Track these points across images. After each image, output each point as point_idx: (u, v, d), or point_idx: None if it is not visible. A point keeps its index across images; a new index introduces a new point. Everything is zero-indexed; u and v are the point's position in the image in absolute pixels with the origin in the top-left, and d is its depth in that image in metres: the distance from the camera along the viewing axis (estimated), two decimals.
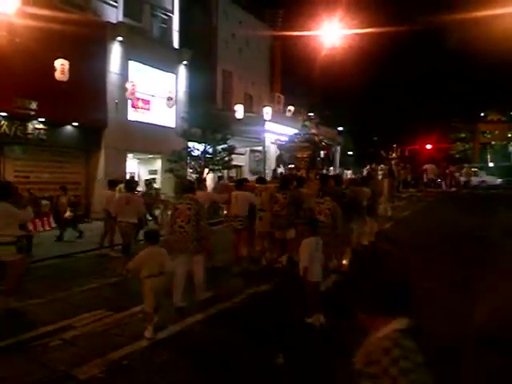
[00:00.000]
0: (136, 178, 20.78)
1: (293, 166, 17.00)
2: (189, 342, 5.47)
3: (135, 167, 21.65)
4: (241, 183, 9.76)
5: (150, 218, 13.93)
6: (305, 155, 19.69)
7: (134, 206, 9.28)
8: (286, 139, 28.60)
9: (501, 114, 47.86)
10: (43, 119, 15.29)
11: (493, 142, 52.98)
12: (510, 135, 49.56)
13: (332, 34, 21.68)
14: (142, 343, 5.32)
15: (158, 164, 21.22)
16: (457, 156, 52.97)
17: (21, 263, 6.86)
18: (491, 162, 52.74)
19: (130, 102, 18.59)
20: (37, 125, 15.32)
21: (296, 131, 28.68)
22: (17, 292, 6.85)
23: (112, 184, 11.90)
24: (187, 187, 7.59)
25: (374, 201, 11.97)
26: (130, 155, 19.77)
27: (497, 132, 50.03)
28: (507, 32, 15.01)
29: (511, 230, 8.62)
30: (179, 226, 6.82)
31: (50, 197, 15.39)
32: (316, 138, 17.23)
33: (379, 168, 29.12)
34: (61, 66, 14.70)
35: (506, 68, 20.98)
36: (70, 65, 14.84)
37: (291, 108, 29.96)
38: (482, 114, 49.67)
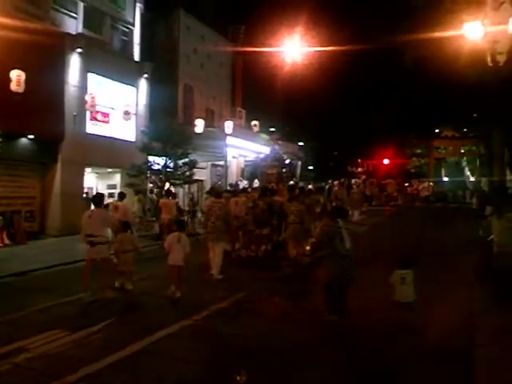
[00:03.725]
0: (94, 193, 20.60)
1: (257, 180, 21.06)
2: (148, 362, 5.31)
3: (93, 181, 21.17)
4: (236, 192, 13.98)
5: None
6: (274, 171, 24.66)
7: (170, 207, 14.47)
8: (249, 154, 29.65)
9: (454, 131, 49.55)
10: None
11: (447, 158, 54.88)
12: (462, 151, 51.36)
13: (293, 51, 21.95)
14: (100, 365, 5.13)
15: (117, 178, 20.77)
16: (412, 171, 54.46)
17: (111, 260, 8.50)
18: (445, 176, 54.55)
19: (88, 115, 18.20)
20: None
21: (257, 146, 29.21)
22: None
23: (122, 197, 13.04)
24: (217, 195, 10.71)
25: (325, 206, 15.13)
26: (88, 169, 19.30)
27: (451, 148, 51.68)
28: (457, 53, 15.64)
29: None
30: (212, 222, 9.69)
31: (3, 212, 14.84)
32: (282, 157, 21.47)
33: (353, 182, 30.20)
34: (16, 77, 14.24)
35: (459, 87, 21.81)
36: (27, 76, 14.41)
37: (256, 123, 30.14)
38: (437, 131, 51.32)
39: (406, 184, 44.01)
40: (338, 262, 6.39)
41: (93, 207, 9.01)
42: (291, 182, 26.47)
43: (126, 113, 19.79)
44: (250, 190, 17.21)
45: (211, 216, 9.81)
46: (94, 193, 20.54)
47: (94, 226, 8.09)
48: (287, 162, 32.19)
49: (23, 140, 15.94)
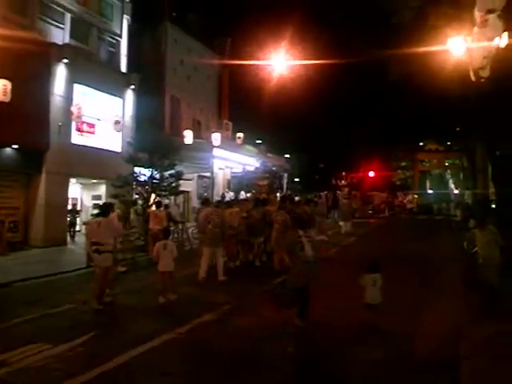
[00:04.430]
0: (79, 204, 20.60)
1: (243, 192, 21.51)
2: (132, 376, 5.24)
3: (78, 192, 20.98)
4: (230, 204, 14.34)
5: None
6: (265, 183, 27.01)
7: (160, 218, 14.22)
8: (236, 166, 29.81)
9: (438, 144, 50.22)
10: None
11: (431, 171, 55.58)
12: (446, 164, 52.06)
13: (279, 64, 22.12)
14: (83, 378, 5.04)
15: (102, 189, 20.58)
16: (398, 183, 55.06)
17: (112, 269, 8.51)
18: (430, 188, 55.21)
19: (74, 126, 18.07)
20: None
21: (244, 157, 29.30)
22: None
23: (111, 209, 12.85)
24: (214, 205, 11.86)
25: (312, 216, 15.20)
26: (72, 180, 19.13)
27: (435, 161, 52.37)
28: (441, 68, 15.91)
29: None
30: (209, 229, 10.25)
31: None
32: (273, 168, 22.54)
33: (338, 193, 30.83)
34: (3, 87, 14.14)
35: (443, 101, 22.20)
36: (13, 85, 14.31)
37: (240, 135, 30.26)
38: (421, 144, 51.96)
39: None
40: (300, 269, 6.82)
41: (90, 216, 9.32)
42: (277, 194, 26.65)
43: (117, 122, 19.69)
44: (242, 200, 17.73)
45: (209, 223, 10.33)
46: (79, 204, 20.56)
47: (102, 234, 8.24)
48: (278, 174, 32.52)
49: (7, 150, 15.77)
